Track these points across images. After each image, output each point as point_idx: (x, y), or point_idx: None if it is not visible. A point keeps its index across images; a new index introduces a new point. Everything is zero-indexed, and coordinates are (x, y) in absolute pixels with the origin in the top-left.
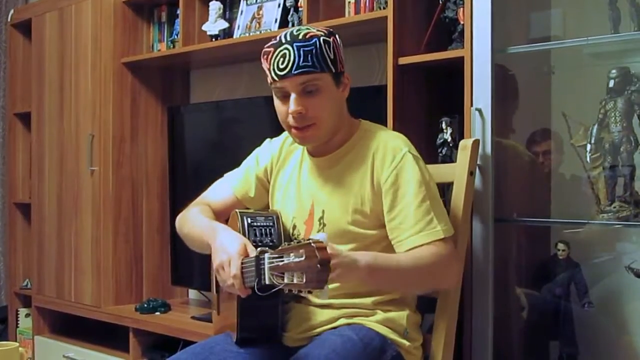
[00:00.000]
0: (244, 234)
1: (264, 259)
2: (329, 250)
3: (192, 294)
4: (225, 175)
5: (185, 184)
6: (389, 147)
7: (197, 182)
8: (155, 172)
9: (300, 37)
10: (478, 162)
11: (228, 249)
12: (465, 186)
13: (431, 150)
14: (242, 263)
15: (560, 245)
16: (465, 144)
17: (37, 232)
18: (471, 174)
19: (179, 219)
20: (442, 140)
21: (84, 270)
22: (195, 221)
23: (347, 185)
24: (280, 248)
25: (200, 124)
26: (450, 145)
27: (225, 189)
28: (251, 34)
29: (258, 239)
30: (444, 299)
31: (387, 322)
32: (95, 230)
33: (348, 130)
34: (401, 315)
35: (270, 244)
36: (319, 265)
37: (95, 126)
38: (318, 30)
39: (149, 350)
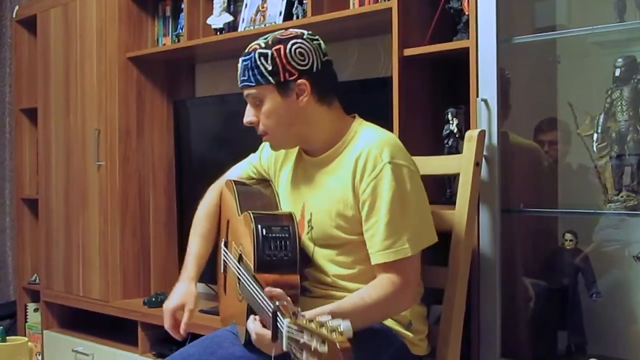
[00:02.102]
0: (257, 247)
1: (280, 320)
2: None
3: (200, 287)
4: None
5: (191, 177)
6: (371, 155)
7: (204, 175)
8: (161, 166)
9: (245, 51)
10: (484, 153)
11: (167, 302)
12: (472, 177)
13: (437, 142)
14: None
15: (568, 236)
16: (471, 135)
17: (45, 227)
18: (477, 164)
19: (200, 208)
20: (448, 132)
21: (92, 264)
22: (193, 233)
23: (332, 189)
24: (299, 322)
25: (205, 117)
26: (457, 136)
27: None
28: (256, 27)
29: (272, 252)
30: (451, 290)
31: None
32: (103, 224)
33: (337, 132)
34: None
35: (285, 258)
36: None
37: (101, 121)
38: (262, 42)
39: (157, 343)
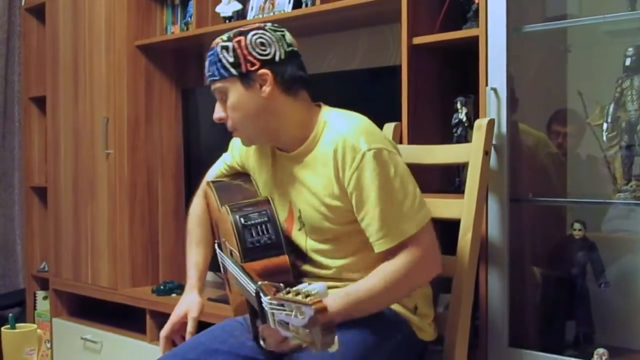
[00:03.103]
0: (238, 237)
1: (263, 301)
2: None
3: (208, 275)
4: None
5: (199, 165)
6: (348, 146)
7: (212, 163)
8: (170, 155)
9: (211, 46)
10: (493, 142)
11: (174, 311)
12: (481, 166)
13: (446, 130)
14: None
15: (577, 225)
16: (480, 124)
17: (54, 215)
18: (486, 153)
19: (189, 217)
20: (457, 120)
21: (101, 252)
22: (188, 242)
23: (315, 183)
24: (278, 296)
25: (214, 106)
26: (466, 125)
27: (219, 163)
28: (264, 15)
29: (255, 239)
30: (459, 279)
31: None
32: (111, 213)
33: (306, 124)
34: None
35: (269, 241)
36: (322, 331)
37: (110, 109)
38: (225, 36)
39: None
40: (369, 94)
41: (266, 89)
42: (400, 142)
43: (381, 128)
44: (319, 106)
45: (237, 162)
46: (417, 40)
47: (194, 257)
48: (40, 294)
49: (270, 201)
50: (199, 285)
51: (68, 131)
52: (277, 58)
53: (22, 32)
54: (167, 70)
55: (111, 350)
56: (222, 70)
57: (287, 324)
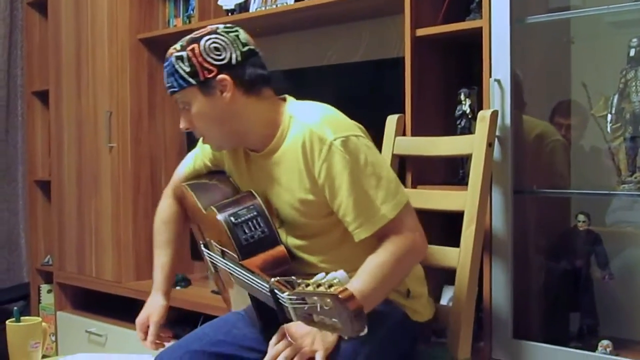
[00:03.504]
0: (232, 237)
1: (280, 297)
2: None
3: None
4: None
5: None
6: (315, 138)
7: None
8: (173, 148)
9: (165, 57)
10: (497, 134)
11: (137, 318)
12: (484, 158)
13: (450, 122)
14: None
15: (581, 217)
16: (484, 115)
17: (58, 209)
18: (490, 145)
19: (155, 218)
20: (460, 112)
21: (105, 246)
22: (154, 244)
23: (287, 179)
24: (297, 290)
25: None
26: (469, 116)
27: (188, 162)
28: (267, 7)
29: (248, 235)
30: (463, 271)
31: None
32: (115, 206)
33: (272, 122)
34: None
35: (263, 235)
36: (354, 317)
37: (113, 103)
38: (178, 46)
39: (170, 324)
40: (372, 86)
41: (227, 94)
42: (404, 134)
43: (384, 120)
44: (284, 100)
45: (209, 161)
46: (421, 32)
47: (160, 258)
48: (44, 287)
49: (255, 194)
50: (164, 288)
51: (71, 125)
52: (233, 61)
53: (24, 26)
54: None
55: (116, 343)
56: (180, 81)
57: (311, 315)
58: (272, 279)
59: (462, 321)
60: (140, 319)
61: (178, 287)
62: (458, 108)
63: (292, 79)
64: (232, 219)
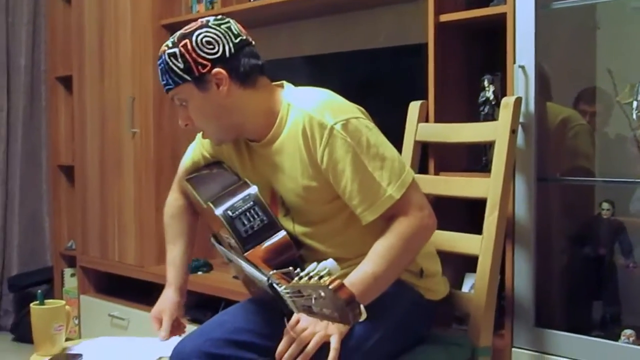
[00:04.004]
0: (232, 230)
1: (279, 291)
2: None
3: None
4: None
5: None
6: (315, 125)
7: None
8: (195, 133)
9: (159, 54)
10: (521, 120)
11: (152, 311)
12: (507, 145)
13: (473, 109)
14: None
15: (605, 205)
16: (508, 102)
17: (81, 194)
18: (513, 132)
19: (164, 212)
20: (484, 99)
21: (127, 230)
22: (166, 239)
23: (290, 167)
24: (292, 284)
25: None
26: (493, 103)
27: (188, 155)
28: None
29: (248, 226)
30: (485, 258)
31: None
32: (137, 191)
33: (270, 110)
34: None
35: (263, 224)
36: (347, 306)
37: (136, 89)
38: (169, 42)
39: (191, 309)
40: (394, 73)
41: (223, 88)
42: (427, 121)
43: (407, 107)
44: (281, 86)
45: (208, 153)
46: (444, 17)
47: (171, 254)
48: (67, 271)
49: (249, 182)
50: (176, 283)
51: (94, 110)
52: (227, 53)
53: (48, 13)
54: None
55: (138, 327)
56: (175, 78)
57: (310, 307)
58: (270, 272)
59: (483, 309)
60: (153, 312)
61: (200, 272)
62: (481, 94)
63: (314, 65)
64: (229, 212)
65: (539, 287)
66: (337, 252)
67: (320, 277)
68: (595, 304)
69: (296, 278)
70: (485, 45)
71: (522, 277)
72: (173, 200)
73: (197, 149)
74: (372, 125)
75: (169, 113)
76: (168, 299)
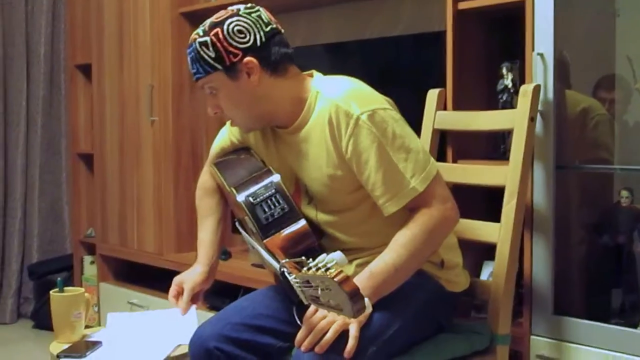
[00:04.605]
0: (253, 217)
1: (290, 279)
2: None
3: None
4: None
5: None
6: (341, 113)
7: None
8: (214, 121)
9: (188, 43)
10: (539, 108)
11: (176, 277)
12: (526, 132)
13: (491, 96)
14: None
15: (624, 193)
16: (526, 90)
17: (100, 182)
18: (532, 120)
19: (196, 193)
20: (502, 86)
21: (146, 218)
22: (198, 220)
23: (316, 155)
24: (301, 273)
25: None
26: (511, 91)
27: (218, 139)
28: None
29: (268, 214)
30: (503, 246)
31: None
32: (157, 179)
33: (299, 98)
34: None
35: (283, 211)
36: (350, 299)
37: (155, 77)
38: (200, 31)
39: (210, 296)
40: (413, 60)
41: (254, 77)
42: (445, 108)
43: (425, 94)
44: (311, 75)
45: (236, 139)
46: (463, 5)
47: (200, 234)
48: (87, 258)
49: (272, 170)
50: (203, 260)
51: (113, 98)
52: (258, 42)
53: (67, 0)
54: None
55: None
56: (205, 67)
57: (317, 297)
58: (283, 260)
59: (502, 297)
60: (175, 279)
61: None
62: (500, 82)
63: (333, 53)
64: (250, 199)
65: (557, 274)
66: (359, 241)
67: (327, 269)
68: (614, 291)
69: (305, 268)
70: (504, 33)
71: (541, 265)
72: (203, 183)
73: (227, 135)
74: (398, 116)
75: (187, 101)
76: (193, 271)
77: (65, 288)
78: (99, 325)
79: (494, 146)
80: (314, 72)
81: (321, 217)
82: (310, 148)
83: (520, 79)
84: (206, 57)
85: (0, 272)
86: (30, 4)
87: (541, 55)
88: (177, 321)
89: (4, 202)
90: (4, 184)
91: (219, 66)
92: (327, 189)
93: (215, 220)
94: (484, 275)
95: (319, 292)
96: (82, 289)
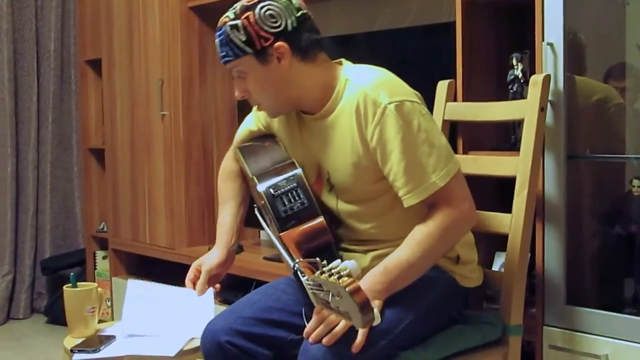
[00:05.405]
0: (272, 208)
1: (302, 280)
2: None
3: (264, 235)
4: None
5: None
6: (369, 101)
7: None
8: (224, 115)
9: (218, 26)
10: (550, 98)
11: (197, 261)
12: (537, 122)
13: (501, 87)
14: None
15: (636, 182)
16: (536, 80)
17: (111, 176)
18: (542, 110)
19: (218, 177)
20: (512, 77)
21: (158, 213)
22: (219, 202)
23: (341, 143)
24: (314, 276)
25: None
26: (521, 81)
27: (244, 126)
28: None
29: (287, 207)
30: (515, 236)
31: None
32: (168, 173)
33: (328, 85)
34: None
35: (302, 206)
36: (360, 310)
37: (165, 71)
38: (231, 14)
39: (222, 290)
40: (423, 52)
41: (284, 62)
42: (455, 100)
43: (435, 86)
44: (340, 63)
45: (262, 125)
46: None
47: (220, 217)
48: (99, 253)
49: (296, 163)
50: (222, 243)
51: (124, 93)
52: (289, 27)
53: None
54: None
55: None
56: (235, 50)
57: (328, 302)
58: (298, 259)
59: (514, 287)
60: (194, 263)
61: None
62: (510, 73)
63: (342, 44)
64: (271, 190)
65: (569, 264)
66: (377, 232)
67: (340, 277)
68: (626, 281)
69: (318, 272)
70: (514, 23)
71: (553, 255)
72: (226, 167)
73: (254, 119)
74: (425, 111)
75: (197, 95)
76: (210, 254)
77: (78, 283)
78: (112, 319)
79: (504, 137)
80: (343, 61)
81: (342, 206)
82: (336, 135)
83: (530, 69)
84: (236, 40)
85: (13, 268)
86: None
87: (551, 45)
88: (195, 302)
89: (16, 198)
90: (16, 180)
91: (249, 50)
92: (351, 177)
93: (236, 204)
94: (496, 266)
95: (330, 297)
96: (95, 284)
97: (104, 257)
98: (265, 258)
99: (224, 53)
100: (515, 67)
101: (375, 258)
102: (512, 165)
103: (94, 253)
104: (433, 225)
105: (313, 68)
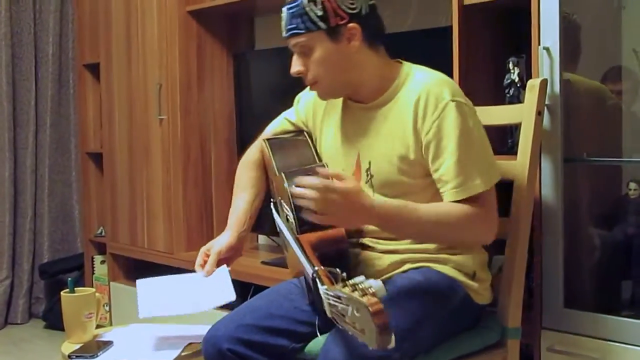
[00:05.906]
0: (295, 209)
1: (320, 288)
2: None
3: (262, 239)
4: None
5: (251, 129)
6: (431, 95)
7: (264, 126)
8: (222, 118)
9: None
10: (546, 102)
11: (206, 245)
12: (533, 126)
13: (498, 91)
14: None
15: (632, 185)
16: (533, 84)
17: (110, 180)
18: (539, 114)
19: (239, 164)
20: (509, 81)
21: (156, 217)
22: (234, 189)
23: (391, 134)
24: (334, 287)
25: (265, 70)
26: (518, 85)
27: (278, 121)
28: None
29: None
30: (513, 240)
31: (455, 265)
32: (166, 177)
33: (387, 76)
34: (467, 258)
35: None
36: (379, 333)
37: (163, 75)
38: None
39: None
40: (421, 56)
41: (355, 43)
42: None
43: None
44: (400, 62)
45: (301, 120)
46: (469, 0)
47: (234, 203)
48: (97, 258)
49: (326, 166)
50: (233, 227)
51: (122, 97)
52: (364, 11)
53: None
54: (219, 35)
55: None
56: (308, 24)
57: (344, 316)
58: (317, 267)
59: (512, 290)
60: (203, 248)
61: None
62: (507, 77)
63: None
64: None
65: (567, 267)
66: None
67: (365, 294)
68: (624, 284)
69: (340, 284)
70: (510, 28)
71: (550, 258)
72: (250, 155)
73: (295, 112)
74: (478, 118)
75: (196, 99)
76: (220, 238)
77: (76, 288)
78: (111, 324)
79: (501, 141)
80: (403, 61)
81: (377, 197)
82: (386, 125)
83: (526, 74)
84: (312, 14)
85: (11, 272)
86: (38, 3)
87: (547, 49)
88: (209, 281)
89: (14, 202)
90: (14, 184)
91: (322, 25)
92: (395, 169)
93: (253, 193)
94: (494, 270)
95: (349, 311)
96: (93, 289)
97: (102, 262)
98: (263, 262)
99: (293, 25)
100: (512, 71)
101: (392, 264)
102: (510, 169)
103: (92, 257)
104: (462, 212)
105: (376, 57)
